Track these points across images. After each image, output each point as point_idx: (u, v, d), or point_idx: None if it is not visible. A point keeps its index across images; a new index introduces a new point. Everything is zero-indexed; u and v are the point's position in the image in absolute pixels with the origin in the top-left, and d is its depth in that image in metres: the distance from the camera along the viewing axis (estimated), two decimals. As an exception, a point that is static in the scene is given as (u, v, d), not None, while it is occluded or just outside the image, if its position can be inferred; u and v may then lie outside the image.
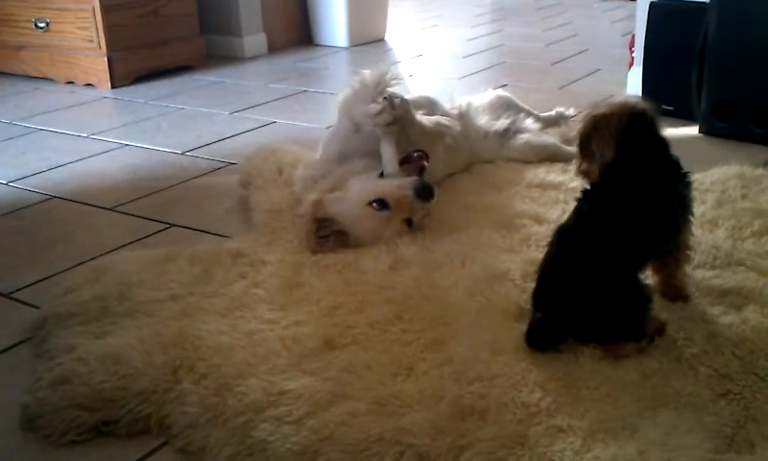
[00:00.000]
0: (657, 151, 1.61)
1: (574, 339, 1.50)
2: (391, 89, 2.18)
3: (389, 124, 2.10)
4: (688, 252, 1.69)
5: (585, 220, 1.58)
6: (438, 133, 2.35)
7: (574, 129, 1.80)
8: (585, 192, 1.63)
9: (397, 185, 2.01)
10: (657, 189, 1.57)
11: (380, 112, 2.10)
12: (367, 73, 2.21)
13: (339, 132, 2.26)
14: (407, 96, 2.29)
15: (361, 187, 2.03)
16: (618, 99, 1.66)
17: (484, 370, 1.44)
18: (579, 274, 1.50)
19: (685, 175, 1.63)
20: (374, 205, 1.99)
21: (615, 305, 1.48)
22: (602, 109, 1.61)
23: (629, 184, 1.57)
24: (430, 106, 2.47)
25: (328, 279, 1.83)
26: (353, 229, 2.00)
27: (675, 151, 1.64)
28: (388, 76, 2.19)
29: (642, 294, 1.51)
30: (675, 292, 1.67)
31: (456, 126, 2.43)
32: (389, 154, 2.09)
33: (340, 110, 2.27)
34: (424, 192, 2.00)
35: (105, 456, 1.37)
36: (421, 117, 2.32)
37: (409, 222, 2.02)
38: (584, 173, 1.67)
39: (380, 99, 2.13)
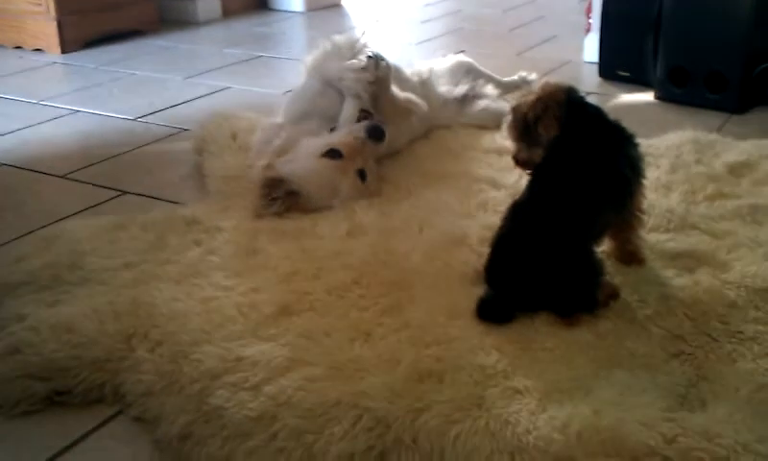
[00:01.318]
0: (598, 120, 1.63)
1: (526, 312, 1.51)
2: (374, 51, 2.17)
3: (369, 83, 2.08)
4: (642, 215, 1.70)
5: (537, 195, 1.57)
6: (407, 109, 2.33)
7: None
8: (536, 169, 1.63)
9: (348, 131, 2.02)
10: (606, 156, 1.58)
11: (364, 69, 2.09)
12: (338, 36, 2.20)
13: (305, 92, 2.23)
14: None
15: (313, 144, 2.01)
16: (540, 84, 1.67)
17: (441, 334, 1.45)
18: (532, 248, 1.50)
19: (631, 137, 1.64)
20: (328, 155, 1.97)
21: (567, 278, 1.49)
22: (535, 95, 1.61)
23: (579, 156, 1.57)
24: (395, 74, 2.45)
25: (285, 245, 1.81)
26: (306, 186, 1.97)
27: (629, 116, 1.65)
28: (361, 41, 2.18)
29: (594, 266, 1.52)
30: (630, 256, 1.68)
31: (424, 106, 2.40)
32: (349, 110, 2.08)
33: (309, 70, 2.24)
34: (375, 132, 2.00)
35: (60, 425, 1.36)
36: (396, 89, 2.30)
37: (362, 174, 2.00)
38: (524, 162, 1.67)
39: (364, 57, 2.11)
